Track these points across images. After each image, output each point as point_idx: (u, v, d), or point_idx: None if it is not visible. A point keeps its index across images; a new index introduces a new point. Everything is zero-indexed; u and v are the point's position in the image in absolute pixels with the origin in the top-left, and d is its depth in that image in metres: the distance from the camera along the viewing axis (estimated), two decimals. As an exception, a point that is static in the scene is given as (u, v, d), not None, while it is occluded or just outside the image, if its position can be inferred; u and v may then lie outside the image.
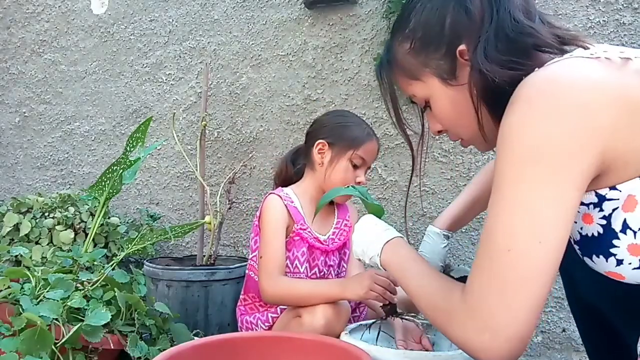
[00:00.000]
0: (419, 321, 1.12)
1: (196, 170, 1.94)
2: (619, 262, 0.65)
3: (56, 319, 1.13)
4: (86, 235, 1.96)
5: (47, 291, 1.19)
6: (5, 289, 1.22)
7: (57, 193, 2.12)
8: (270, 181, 2.11)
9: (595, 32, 1.67)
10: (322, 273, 1.42)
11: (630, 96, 0.61)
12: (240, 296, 1.48)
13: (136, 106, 2.37)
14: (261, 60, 2.13)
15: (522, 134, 0.62)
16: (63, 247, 1.95)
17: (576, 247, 0.70)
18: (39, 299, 1.18)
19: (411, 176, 0.96)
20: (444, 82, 0.78)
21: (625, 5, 1.64)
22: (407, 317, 1.12)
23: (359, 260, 0.98)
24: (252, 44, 2.14)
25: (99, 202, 1.54)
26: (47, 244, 1.97)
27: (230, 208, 2.03)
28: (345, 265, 1.48)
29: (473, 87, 0.74)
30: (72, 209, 2.03)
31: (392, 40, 0.85)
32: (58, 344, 1.10)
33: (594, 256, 0.68)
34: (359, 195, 1.07)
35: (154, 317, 1.38)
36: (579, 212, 0.67)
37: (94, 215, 1.78)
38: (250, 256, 1.45)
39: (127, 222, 2.23)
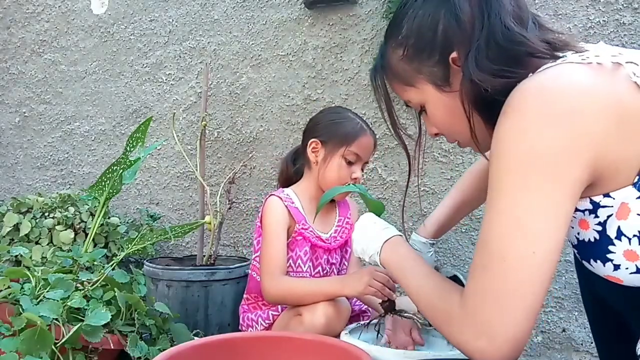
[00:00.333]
0: (419, 321, 1.13)
1: (196, 170, 1.94)
2: (616, 267, 0.65)
3: (56, 319, 1.13)
4: (86, 235, 1.96)
5: (47, 291, 1.19)
6: (5, 289, 1.22)
7: (57, 193, 2.12)
8: (270, 181, 2.12)
9: (595, 32, 1.67)
10: (325, 271, 1.42)
11: (621, 103, 0.61)
12: (244, 295, 1.48)
13: (136, 106, 2.37)
14: (261, 60, 2.13)
15: (513, 144, 0.62)
16: (63, 247, 1.95)
17: (575, 251, 0.71)
18: (39, 299, 1.18)
19: (408, 179, 0.97)
20: (438, 88, 0.78)
21: (625, 5, 1.64)
22: (406, 315, 1.12)
23: (359, 258, 0.99)
24: (252, 44, 2.14)
25: (99, 202, 1.54)
26: (47, 244, 1.97)
27: (230, 208, 2.03)
28: (346, 263, 1.49)
29: (464, 96, 0.73)
30: (72, 209, 2.03)
31: (385, 46, 0.85)
32: (58, 344, 1.10)
33: (591, 260, 0.68)
34: (359, 192, 1.08)
35: (154, 317, 1.38)
36: (575, 217, 0.68)
37: (94, 215, 1.78)
38: (253, 256, 1.46)
39: (127, 222, 2.23)
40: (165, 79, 2.31)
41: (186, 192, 2.28)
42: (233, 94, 2.18)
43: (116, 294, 1.26)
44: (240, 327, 1.45)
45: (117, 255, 1.82)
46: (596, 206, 0.65)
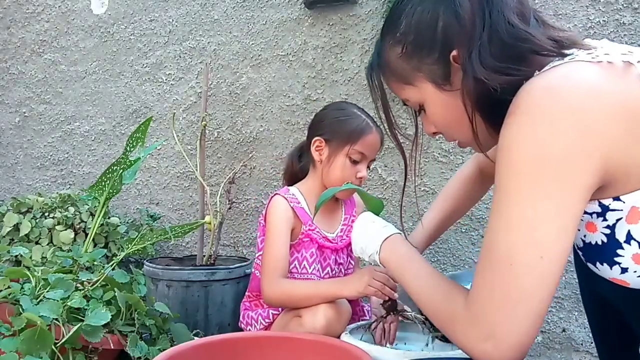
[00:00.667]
0: (419, 324, 1.12)
1: (196, 170, 1.94)
2: (624, 270, 0.64)
3: (56, 319, 1.13)
4: (86, 235, 1.96)
5: (47, 291, 1.19)
6: (5, 289, 1.22)
7: (57, 193, 2.11)
8: (271, 181, 2.12)
9: (595, 32, 1.67)
10: (334, 272, 1.41)
11: (631, 105, 0.59)
12: (246, 292, 1.47)
13: (136, 106, 2.37)
14: (261, 60, 2.13)
15: (521, 148, 0.61)
16: (63, 247, 1.95)
17: (580, 253, 0.70)
18: (39, 299, 1.18)
19: (405, 179, 0.94)
20: (437, 87, 0.76)
21: (625, 5, 1.64)
22: (407, 315, 1.11)
23: (359, 258, 0.98)
24: (252, 44, 2.14)
25: (99, 202, 1.54)
26: (47, 244, 1.97)
27: (230, 208, 2.03)
28: (352, 263, 1.47)
29: (466, 94, 0.71)
30: (72, 209, 2.03)
31: (382, 43, 0.82)
32: (58, 344, 1.10)
33: (597, 263, 0.67)
34: (357, 189, 1.07)
35: (154, 317, 1.38)
36: (582, 220, 0.67)
37: (94, 215, 1.78)
38: (256, 255, 1.45)
39: (127, 222, 2.23)
40: (165, 79, 2.31)
41: (186, 192, 2.28)
42: (233, 94, 2.18)
43: (116, 294, 1.26)
44: (239, 324, 1.45)
45: (117, 255, 1.82)
46: (605, 209, 0.63)
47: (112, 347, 1.21)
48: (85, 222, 2.02)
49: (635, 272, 0.64)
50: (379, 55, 0.83)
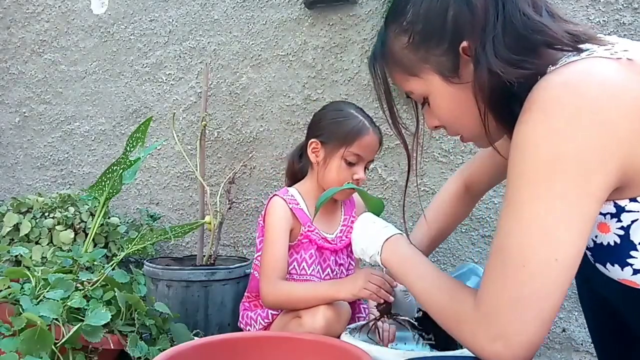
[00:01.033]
0: (411, 329, 1.11)
1: (196, 170, 1.94)
2: (636, 272, 0.63)
3: (56, 319, 1.13)
4: (86, 235, 1.96)
5: (47, 291, 1.19)
6: (5, 289, 1.22)
7: (57, 193, 2.12)
8: (271, 181, 2.12)
9: (595, 32, 1.67)
10: (334, 273, 1.41)
11: None
12: (245, 293, 1.47)
13: (136, 106, 2.37)
14: (261, 60, 2.13)
15: (538, 146, 0.59)
16: (63, 247, 1.95)
17: (589, 253, 0.69)
18: (39, 299, 1.18)
19: (408, 175, 0.90)
20: (445, 79, 0.73)
21: (625, 5, 1.64)
22: (401, 318, 1.11)
23: (359, 259, 0.97)
24: (252, 44, 2.14)
25: (99, 202, 1.55)
26: (47, 244, 1.97)
27: (230, 208, 2.03)
28: (352, 263, 1.47)
29: (479, 87, 0.68)
30: (72, 209, 2.03)
31: (386, 32, 0.78)
32: (58, 344, 1.11)
33: (608, 264, 0.66)
34: (357, 189, 1.07)
35: (154, 317, 1.38)
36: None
37: (94, 215, 1.78)
38: (255, 255, 1.45)
39: (127, 222, 2.23)
40: (165, 79, 2.31)
41: (186, 192, 2.28)
42: (233, 94, 2.18)
43: (116, 294, 1.26)
44: (238, 324, 1.45)
45: (117, 255, 1.82)
46: (620, 210, 0.62)
47: (112, 347, 1.21)
48: (85, 222, 2.02)
49: None
50: (382, 44, 0.79)
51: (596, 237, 0.66)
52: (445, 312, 0.71)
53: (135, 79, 2.37)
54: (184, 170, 2.28)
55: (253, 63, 2.14)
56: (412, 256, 0.84)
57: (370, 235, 0.93)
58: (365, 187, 1.93)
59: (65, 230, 1.97)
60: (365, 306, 1.45)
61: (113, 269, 1.36)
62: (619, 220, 0.63)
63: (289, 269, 1.35)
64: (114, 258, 1.58)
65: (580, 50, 0.64)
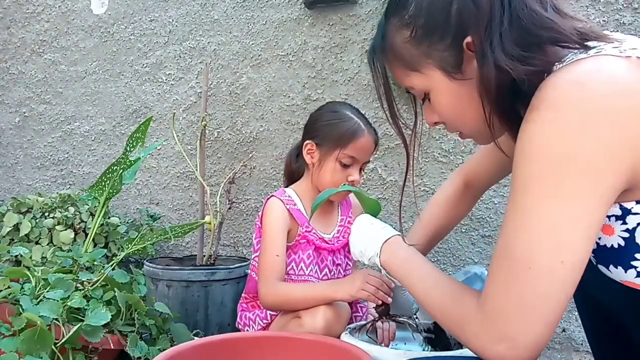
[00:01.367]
0: (411, 330, 1.11)
1: (196, 170, 1.94)
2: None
3: (56, 319, 1.13)
4: (86, 235, 1.96)
5: (47, 291, 1.19)
6: (5, 289, 1.22)
7: (57, 193, 2.12)
8: (270, 181, 2.12)
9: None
10: (332, 273, 1.41)
11: None
12: (243, 294, 1.47)
13: (136, 106, 2.37)
14: (261, 60, 2.13)
15: (546, 146, 0.58)
16: (63, 247, 1.95)
17: (591, 255, 0.69)
18: (39, 299, 1.18)
19: (406, 173, 0.87)
20: (447, 75, 0.71)
21: (625, 5, 1.64)
22: (400, 320, 1.11)
23: (358, 261, 0.97)
24: (252, 44, 2.14)
25: (99, 202, 1.55)
26: (47, 244, 1.97)
27: (230, 208, 2.03)
28: (350, 264, 1.47)
29: (484, 84, 0.67)
30: (72, 209, 2.03)
31: (387, 25, 0.76)
32: (58, 344, 1.11)
33: (611, 266, 0.65)
34: (354, 191, 1.07)
35: (154, 317, 1.38)
36: None
37: (94, 215, 1.79)
38: (253, 256, 1.45)
39: (127, 222, 2.23)
40: (165, 79, 2.31)
41: (186, 192, 2.28)
42: (233, 94, 2.18)
43: (116, 294, 1.26)
44: (237, 325, 1.45)
45: (117, 255, 1.82)
46: (626, 212, 0.61)
47: (112, 347, 1.21)
48: (85, 222, 2.02)
49: None
50: (382, 37, 0.77)
51: (600, 239, 0.66)
52: (448, 314, 0.71)
53: (135, 79, 2.37)
54: (184, 170, 2.28)
55: (253, 63, 2.14)
56: (412, 257, 0.84)
57: (368, 237, 0.92)
58: (365, 187, 1.93)
59: (65, 230, 1.98)
60: (363, 305, 1.45)
61: (113, 269, 1.36)
62: (624, 223, 0.62)
63: (287, 269, 1.35)
64: (114, 258, 1.58)
65: (588, 48, 0.63)
